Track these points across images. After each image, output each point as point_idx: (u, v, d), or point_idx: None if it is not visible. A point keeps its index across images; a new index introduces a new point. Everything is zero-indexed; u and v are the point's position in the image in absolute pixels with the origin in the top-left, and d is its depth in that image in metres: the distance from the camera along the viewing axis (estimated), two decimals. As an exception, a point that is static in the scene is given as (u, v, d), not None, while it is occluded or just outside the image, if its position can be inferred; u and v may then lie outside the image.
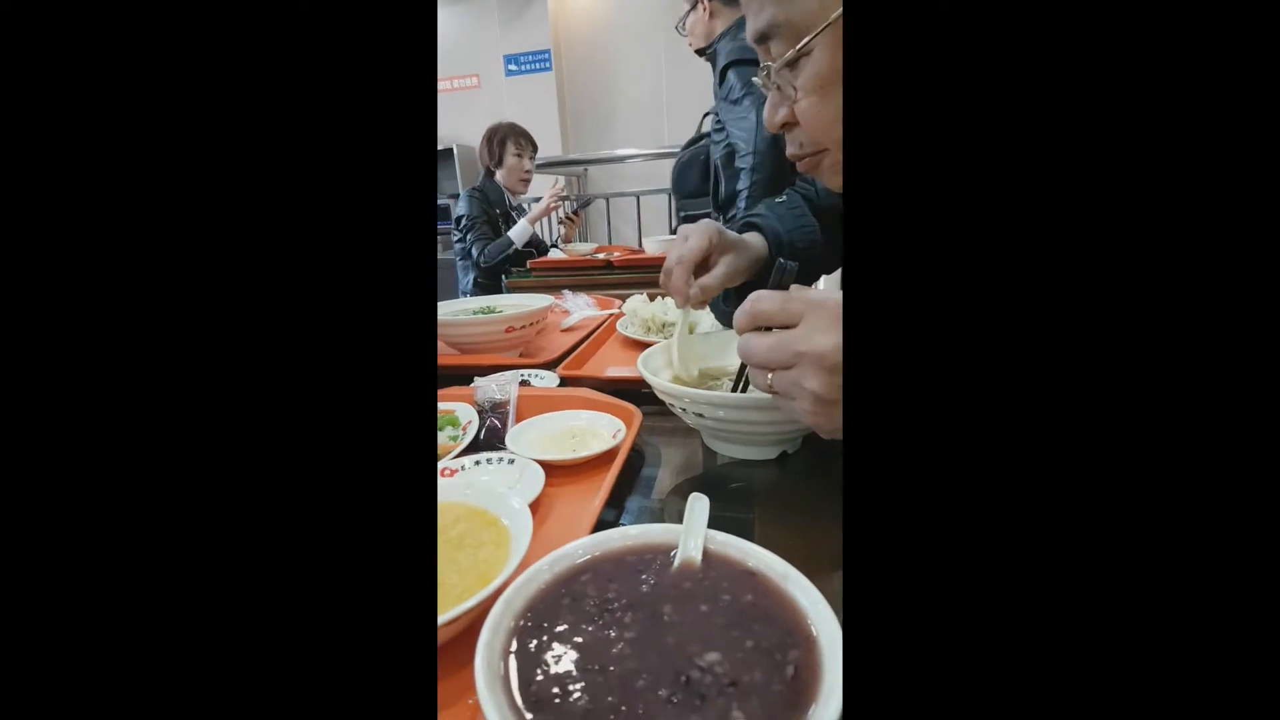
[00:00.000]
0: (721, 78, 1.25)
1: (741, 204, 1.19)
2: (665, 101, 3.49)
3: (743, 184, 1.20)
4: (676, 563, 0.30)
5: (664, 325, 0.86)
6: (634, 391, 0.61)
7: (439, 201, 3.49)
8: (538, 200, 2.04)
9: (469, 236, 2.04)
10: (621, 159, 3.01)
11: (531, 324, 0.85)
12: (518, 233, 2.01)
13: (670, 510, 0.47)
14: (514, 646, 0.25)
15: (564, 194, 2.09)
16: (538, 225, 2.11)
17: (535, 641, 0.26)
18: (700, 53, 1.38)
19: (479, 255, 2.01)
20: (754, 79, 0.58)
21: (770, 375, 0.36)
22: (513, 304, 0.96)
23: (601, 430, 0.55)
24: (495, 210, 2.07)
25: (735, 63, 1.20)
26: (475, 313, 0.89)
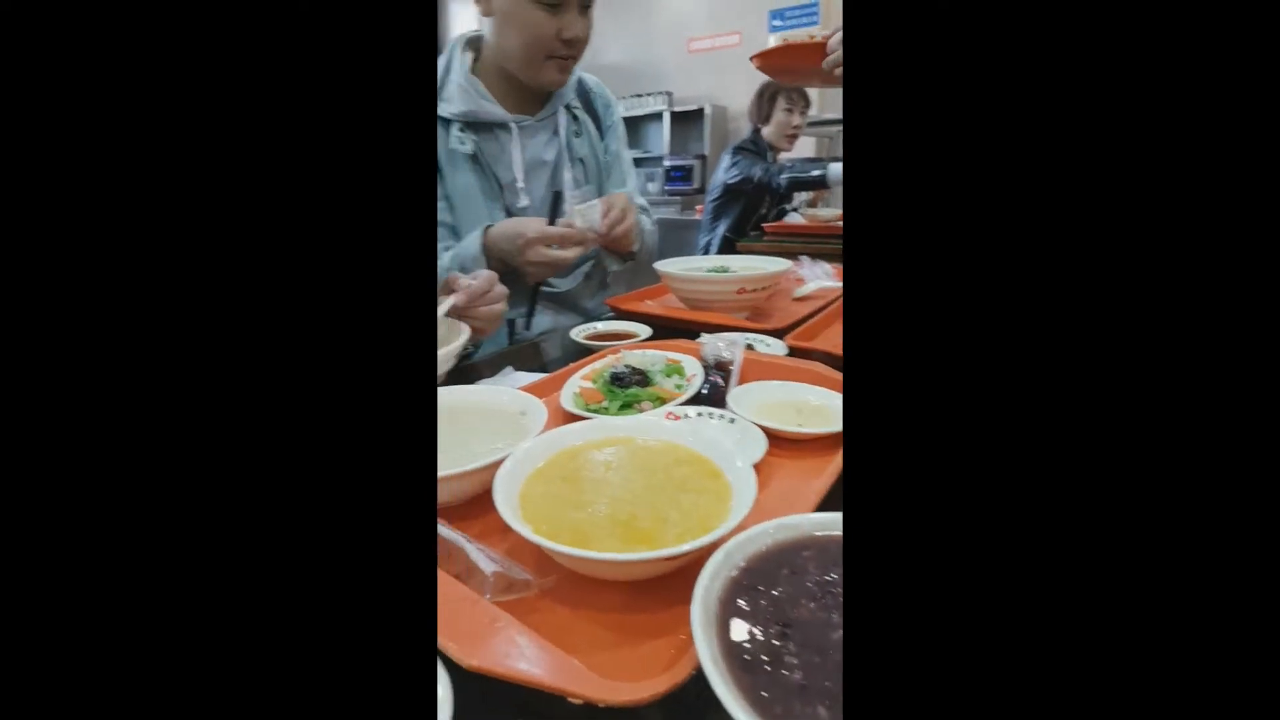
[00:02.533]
0: None
1: None
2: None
3: None
4: (917, 570, 0.27)
5: (916, 308, 0.77)
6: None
7: (684, 161, 3.61)
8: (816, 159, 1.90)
9: (737, 174, 1.93)
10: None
11: (765, 288, 0.83)
12: (836, 169, 1.77)
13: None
14: (730, 599, 0.26)
15: None
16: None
17: (751, 601, 0.26)
18: None
19: (778, 179, 1.85)
20: None
21: None
22: (746, 265, 0.95)
23: (832, 411, 0.52)
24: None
25: None
26: (709, 271, 0.91)
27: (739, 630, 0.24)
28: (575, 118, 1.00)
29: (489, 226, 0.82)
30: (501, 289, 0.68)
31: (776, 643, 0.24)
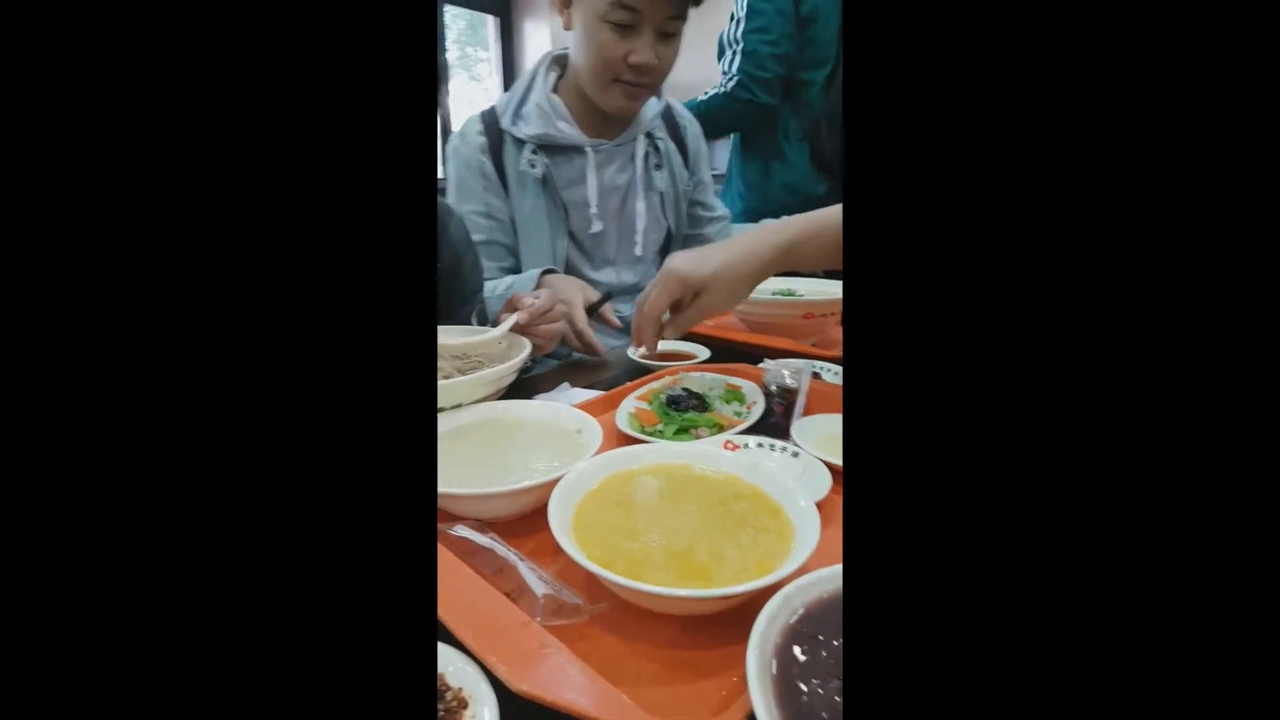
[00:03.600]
0: None
1: None
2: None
3: None
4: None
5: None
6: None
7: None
8: None
9: None
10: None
11: (834, 313, 0.81)
12: None
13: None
14: (787, 646, 0.25)
15: None
16: None
17: (810, 652, 0.25)
18: None
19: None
20: None
21: None
22: (814, 289, 0.93)
23: (900, 447, 0.50)
24: None
25: None
26: (774, 293, 0.90)
27: (796, 681, 0.24)
28: (657, 148, 0.99)
29: (548, 271, 0.84)
30: (562, 308, 0.70)
31: (837, 699, 0.23)
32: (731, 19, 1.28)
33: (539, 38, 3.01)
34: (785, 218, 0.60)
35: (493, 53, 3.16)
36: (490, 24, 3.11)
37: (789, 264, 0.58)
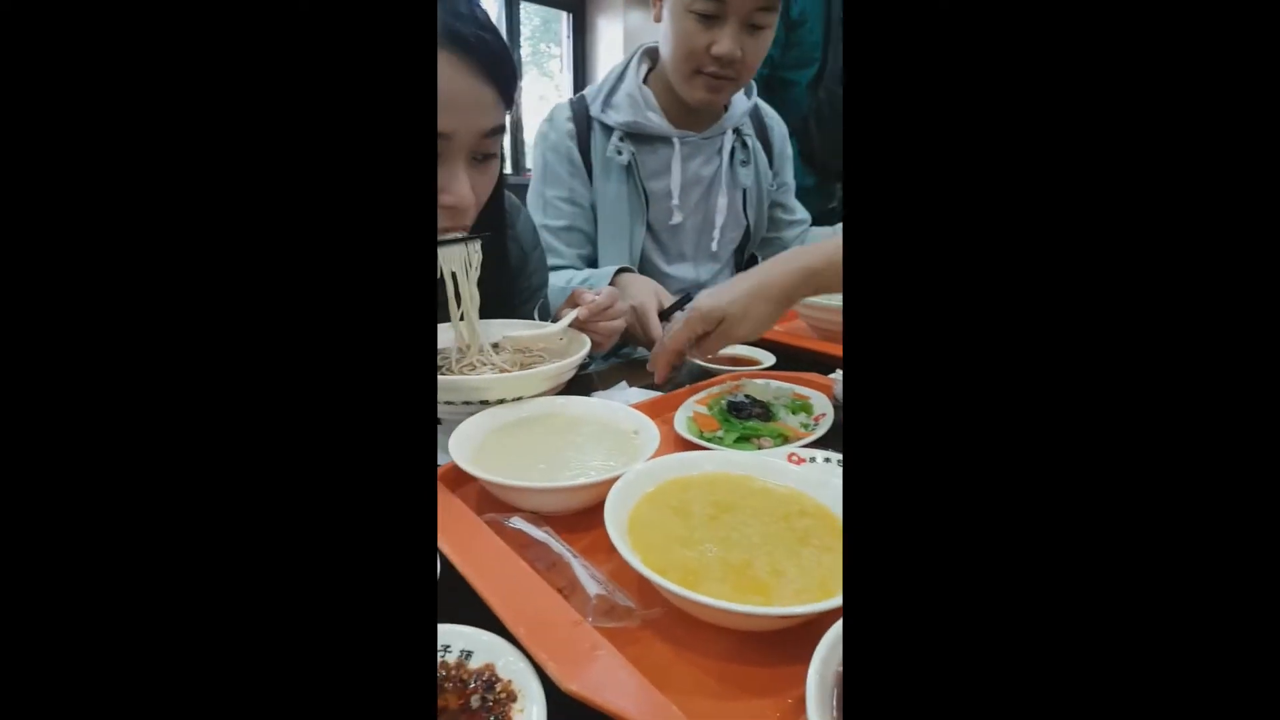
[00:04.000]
0: None
1: None
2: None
3: None
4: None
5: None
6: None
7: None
8: None
9: None
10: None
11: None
12: None
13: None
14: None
15: None
16: None
17: (875, 684, 0.24)
18: None
19: None
20: None
21: None
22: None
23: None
24: None
25: None
26: (845, 300, 0.87)
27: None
28: (745, 144, 0.99)
29: (624, 269, 0.85)
30: (622, 306, 0.70)
31: (903, 737, 0.22)
32: None
33: (612, 33, 3.04)
34: (812, 243, 0.61)
35: (564, 48, 3.22)
36: (564, 20, 3.17)
37: (817, 288, 0.59)
